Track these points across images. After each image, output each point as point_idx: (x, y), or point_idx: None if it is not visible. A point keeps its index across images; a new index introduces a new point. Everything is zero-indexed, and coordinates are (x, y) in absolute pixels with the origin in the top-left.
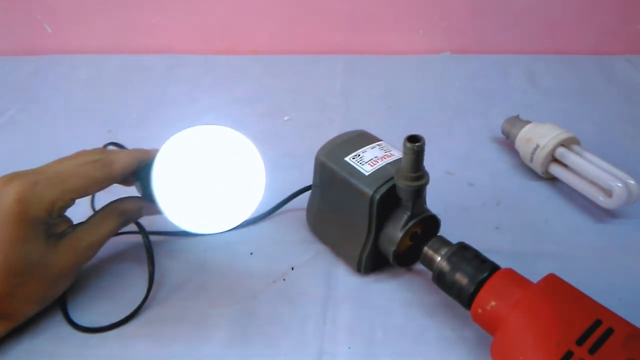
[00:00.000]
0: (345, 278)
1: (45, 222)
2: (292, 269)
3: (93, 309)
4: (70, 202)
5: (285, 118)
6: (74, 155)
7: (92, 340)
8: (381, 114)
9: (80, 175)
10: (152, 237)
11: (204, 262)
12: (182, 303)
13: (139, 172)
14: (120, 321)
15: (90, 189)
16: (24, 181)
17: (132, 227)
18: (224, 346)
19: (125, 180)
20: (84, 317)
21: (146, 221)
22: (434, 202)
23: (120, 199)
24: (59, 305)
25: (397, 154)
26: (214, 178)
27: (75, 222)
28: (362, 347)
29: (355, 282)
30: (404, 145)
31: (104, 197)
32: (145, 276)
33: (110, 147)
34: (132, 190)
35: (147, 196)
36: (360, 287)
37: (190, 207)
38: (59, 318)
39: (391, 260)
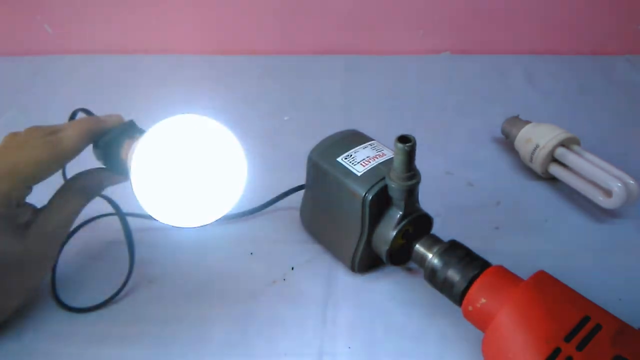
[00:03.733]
0: (345, 278)
1: (6, 216)
2: (292, 269)
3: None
4: (27, 190)
5: (285, 118)
6: (23, 138)
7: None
8: (381, 114)
9: (29, 161)
10: (138, 222)
11: (202, 258)
12: (182, 303)
13: (96, 141)
14: (100, 304)
15: (42, 174)
16: None
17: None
18: (224, 346)
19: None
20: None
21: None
22: (434, 202)
23: (79, 174)
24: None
25: (388, 154)
26: (193, 169)
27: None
28: (362, 347)
29: (355, 282)
30: (395, 146)
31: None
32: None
33: (80, 114)
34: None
35: (108, 165)
36: (360, 287)
37: (168, 198)
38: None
39: (384, 259)
